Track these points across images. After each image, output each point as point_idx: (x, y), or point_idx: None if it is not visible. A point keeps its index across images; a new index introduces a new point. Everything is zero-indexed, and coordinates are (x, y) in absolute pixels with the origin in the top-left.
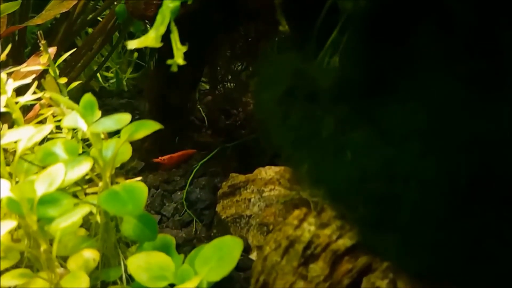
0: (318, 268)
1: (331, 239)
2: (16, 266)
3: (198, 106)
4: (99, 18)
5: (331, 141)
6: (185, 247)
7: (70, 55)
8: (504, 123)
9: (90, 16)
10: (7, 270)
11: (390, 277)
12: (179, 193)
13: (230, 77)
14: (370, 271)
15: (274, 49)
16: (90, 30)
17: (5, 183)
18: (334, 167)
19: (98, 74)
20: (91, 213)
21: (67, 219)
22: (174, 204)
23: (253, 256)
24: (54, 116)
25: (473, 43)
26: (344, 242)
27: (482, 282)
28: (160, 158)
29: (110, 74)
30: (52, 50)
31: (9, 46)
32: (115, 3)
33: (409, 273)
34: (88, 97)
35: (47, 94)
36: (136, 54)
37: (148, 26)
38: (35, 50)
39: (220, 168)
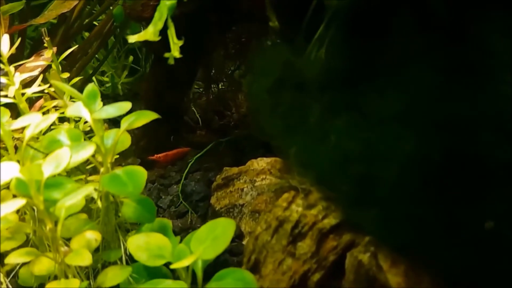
0: (305, 246)
1: (317, 219)
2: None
3: (192, 107)
4: (95, 23)
5: (317, 127)
6: (180, 235)
7: (65, 59)
8: (475, 107)
9: (87, 20)
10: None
11: (371, 250)
12: (174, 186)
13: (223, 78)
14: (353, 247)
15: (265, 44)
16: (86, 34)
17: (15, 165)
18: (320, 150)
19: (93, 78)
20: (92, 200)
21: (72, 198)
22: (170, 197)
23: (246, 242)
24: (56, 110)
25: (447, 35)
26: (329, 221)
27: (457, 254)
28: (156, 155)
29: (105, 78)
30: (53, 49)
31: (19, 40)
32: (111, 8)
33: (389, 246)
34: (91, 87)
35: (52, 86)
36: (131, 59)
37: (142, 29)
38: (34, 52)
39: (214, 164)
